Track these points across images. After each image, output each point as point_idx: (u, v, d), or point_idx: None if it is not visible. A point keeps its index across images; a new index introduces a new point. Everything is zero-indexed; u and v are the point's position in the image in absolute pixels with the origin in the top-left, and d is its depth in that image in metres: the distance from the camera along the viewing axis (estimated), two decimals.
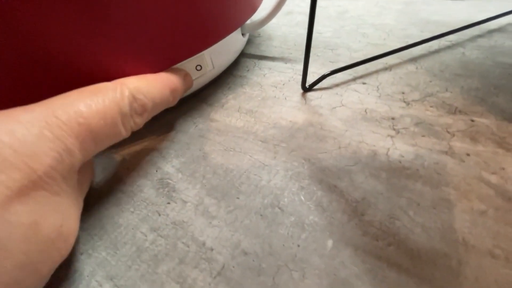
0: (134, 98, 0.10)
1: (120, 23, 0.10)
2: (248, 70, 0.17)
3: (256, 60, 0.18)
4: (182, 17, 0.11)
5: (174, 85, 0.12)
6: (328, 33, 0.19)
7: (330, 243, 0.09)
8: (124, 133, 0.10)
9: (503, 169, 0.09)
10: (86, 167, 0.10)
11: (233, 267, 0.08)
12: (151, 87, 0.11)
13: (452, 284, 0.07)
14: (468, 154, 0.10)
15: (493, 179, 0.09)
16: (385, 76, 0.14)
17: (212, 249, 0.09)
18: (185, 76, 0.13)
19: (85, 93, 0.09)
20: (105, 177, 0.12)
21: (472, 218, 0.08)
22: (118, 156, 0.13)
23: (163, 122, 0.14)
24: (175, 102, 0.12)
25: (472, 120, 0.11)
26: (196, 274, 0.08)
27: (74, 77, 0.10)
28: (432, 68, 0.14)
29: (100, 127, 0.09)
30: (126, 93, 0.10)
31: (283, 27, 0.21)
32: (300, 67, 0.16)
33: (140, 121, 0.10)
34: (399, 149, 0.11)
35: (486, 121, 0.11)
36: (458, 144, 0.11)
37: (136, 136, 0.14)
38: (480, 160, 0.10)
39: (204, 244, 0.09)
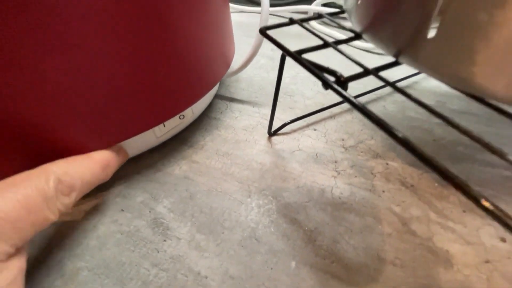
0: (59, 181, 0.10)
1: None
2: (221, 112, 0.20)
3: (227, 102, 0.21)
4: (146, 90, 0.12)
5: (106, 161, 0.12)
6: (287, 79, 0.23)
7: (293, 264, 0.12)
8: (53, 217, 0.10)
9: (404, 202, 0.14)
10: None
11: None
12: (79, 167, 0.11)
13: (369, 286, 0.11)
14: (383, 191, 0.15)
15: (397, 209, 0.14)
16: (331, 124, 0.19)
17: (206, 277, 0.11)
18: (119, 151, 0.13)
19: (6, 185, 0.09)
20: (100, 220, 0.14)
21: (383, 238, 0.13)
22: (111, 197, 0.14)
23: (149, 162, 0.16)
24: (109, 177, 0.13)
25: (387, 164, 0.16)
26: None
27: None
28: (363, 118, 0.19)
29: (22, 217, 0.09)
30: (51, 178, 0.10)
31: (248, 69, 0.25)
32: (265, 111, 0.20)
33: (68, 202, 0.10)
34: (339, 187, 0.15)
35: (395, 165, 0.16)
36: (377, 183, 0.15)
37: (125, 178, 0.15)
38: (390, 195, 0.14)
39: (199, 273, 0.12)
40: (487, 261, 0.12)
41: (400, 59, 0.10)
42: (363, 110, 0.08)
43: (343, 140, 0.17)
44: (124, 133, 0.13)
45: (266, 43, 0.16)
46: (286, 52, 0.12)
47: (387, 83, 0.10)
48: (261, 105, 0.20)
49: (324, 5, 0.32)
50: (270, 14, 0.34)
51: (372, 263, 0.12)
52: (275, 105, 0.16)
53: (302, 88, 0.22)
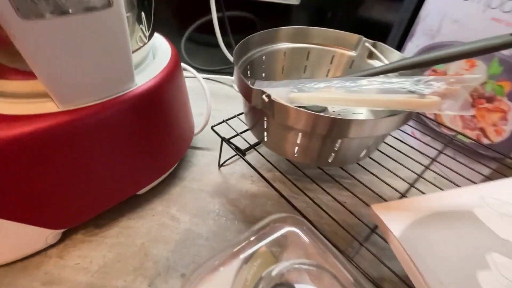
0: None
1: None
2: (191, 156, 0.36)
3: (193, 150, 0.37)
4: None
5: None
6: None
7: (236, 222, 0.29)
8: None
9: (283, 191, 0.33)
10: None
11: None
12: None
13: None
14: (274, 187, 0.33)
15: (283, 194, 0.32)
16: (252, 156, 0.37)
17: (199, 234, 0.28)
18: None
19: None
20: None
21: (266, 208, 0.31)
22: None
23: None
24: None
25: (275, 174, 0.35)
26: None
27: None
28: (269, 155, 0.38)
29: None
30: None
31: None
32: (216, 153, 0.37)
33: None
34: (254, 188, 0.33)
35: (279, 174, 0.35)
36: (273, 183, 0.33)
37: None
38: (278, 188, 0.33)
39: (198, 232, 0.28)
40: None
41: (261, 144, 0.29)
42: (248, 163, 0.26)
43: (258, 165, 0.36)
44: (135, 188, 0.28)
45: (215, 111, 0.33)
46: (222, 139, 0.29)
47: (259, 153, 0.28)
48: (211, 149, 0.37)
49: None
50: (205, 79, 0.52)
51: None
52: (221, 149, 0.34)
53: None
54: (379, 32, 0.43)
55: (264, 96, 0.21)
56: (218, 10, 0.43)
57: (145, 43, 0.25)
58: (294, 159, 0.27)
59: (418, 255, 0.18)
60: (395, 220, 0.20)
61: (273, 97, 0.21)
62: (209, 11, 0.42)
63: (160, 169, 0.29)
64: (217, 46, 0.47)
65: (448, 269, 0.17)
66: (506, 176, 0.26)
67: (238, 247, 0.22)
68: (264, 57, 0.33)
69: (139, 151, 0.25)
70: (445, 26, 0.32)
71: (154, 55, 0.28)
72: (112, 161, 0.24)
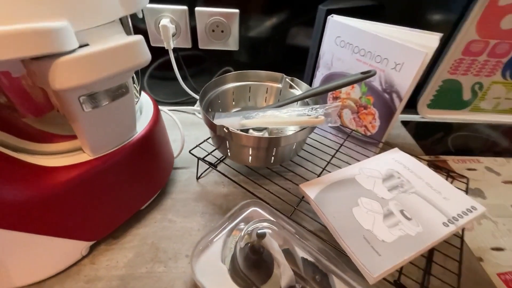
0: None
1: None
2: (175, 175, 0.47)
3: (176, 170, 0.48)
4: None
5: None
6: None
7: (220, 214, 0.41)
8: None
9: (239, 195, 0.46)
10: None
11: None
12: None
13: None
14: (238, 187, 0.46)
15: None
16: (224, 167, 0.49)
17: (191, 227, 0.39)
18: None
19: None
20: None
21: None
22: None
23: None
24: None
25: (237, 183, 0.48)
26: None
27: None
28: (238, 166, 0.51)
29: None
30: None
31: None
32: (192, 169, 0.48)
33: None
34: (226, 190, 0.45)
35: (242, 177, 0.48)
36: (236, 186, 0.46)
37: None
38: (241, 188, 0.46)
39: (189, 226, 0.39)
40: None
41: (227, 157, 0.41)
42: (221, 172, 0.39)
43: (226, 173, 0.48)
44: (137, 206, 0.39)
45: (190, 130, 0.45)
46: (198, 158, 0.41)
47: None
48: (190, 167, 0.49)
49: None
50: (171, 110, 0.63)
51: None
52: (198, 166, 0.45)
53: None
54: (302, 58, 0.59)
55: (224, 129, 0.34)
56: (174, 51, 0.54)
57: (138, 98, 0.36)
58: (250, 164, 0.40)
59: (323, 206, 0.33)
60: (312, 190, 0.35)
61: (230, 129, 0.34)
62: (166, 53, 0.54)
63: (155, 188, 0.40)
64: (175, 79, 0.58)
65: (337, 210, 0.32)
66: (379, 153, 0.43)
67: (221, 228, 0.34)
68: (219, 96, 0.46)
69: (141, 178, 0.36)
70: (335, 62, 0.49)
71: (141, 105, 0.39)
72: (125, 187, 0.34)
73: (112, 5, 0.23)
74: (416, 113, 0.67)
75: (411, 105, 0.66)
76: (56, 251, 0.31)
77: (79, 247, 0.33)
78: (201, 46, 0.56)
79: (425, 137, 0.62)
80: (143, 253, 0.35)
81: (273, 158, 0.39)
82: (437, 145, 0.60)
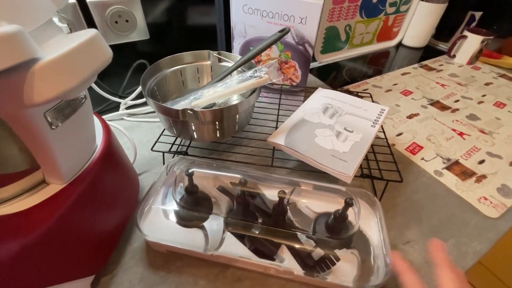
0: None
1: None
2: (143, 181, 0.44)
3: (140, 176, 0.45)
4: None
5: None
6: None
7: None
8: None
9: None
10: None
11: None
12: None
13: None
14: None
15: None
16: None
17: None
18: None
19: None
20: None
21: None
22: None
23: None
24: None
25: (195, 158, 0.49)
26: None
27: None
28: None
29: None
30: None
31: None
32: (156, 170, 0.46)
33: None
34: None
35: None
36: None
37: None
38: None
39: None
40: None
41: (193, 140, 0.42)
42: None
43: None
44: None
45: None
46: (163, 152, 0.40)
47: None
48: (152, 169, 0.46)
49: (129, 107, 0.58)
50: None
51: None
52: (164, 160, 0.44)
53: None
54: (212, 35, 0.61)
55: (188, 111, 0.35)
56: None
57: None
58: (218, 139, 0.42)
59: (294, 146, 0.39)
60: (279, 139, 0.41)
61: (196, 109, 0.35)
62: None
63: (133, 197, 0.37)
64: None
65: (305, 144, 0.40)
66: (308, 97, 0.53)
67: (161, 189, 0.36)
68: (155, 88, 0.44)
69: (119, 189, 0.34)
70: (248, 29, 0.54)
71: None
72: (108, 201, 0.31)
73: (44, 1, 0.20)
74: (315, 61, 0.81)
75: None
76: None
77: (87, 282, 0.29)
78: (107, 42, 0.50)
79: (327, 77, 0.77)
80: (149, 264, 0.34)
81: (236, 125, 0.42)
82: (337, 80, 0.75)
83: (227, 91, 0.41)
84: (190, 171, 0.33)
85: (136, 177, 0.40)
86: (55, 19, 0.42)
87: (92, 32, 0.21)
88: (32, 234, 0.23)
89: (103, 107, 0.58)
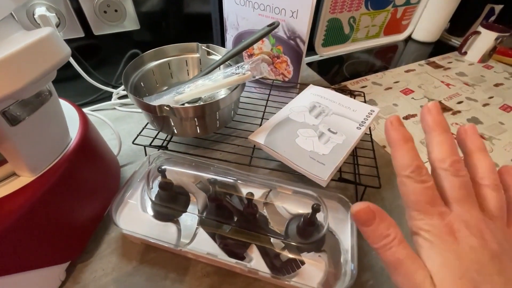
0: None
1: None
2: (124, 173, 0.45)
3: (123, 168, 0.46)
4: None
5: None
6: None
7: None
8: None
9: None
10: None
11: None
12: None
13: None
14: None
15: None
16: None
17: None
18: None
19: None
20: None
21: None
22: None
23: None
24: None
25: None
26: None
27: None
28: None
29: None
30: None
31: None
32: (138, 162, 0.47)
33: None
34: None
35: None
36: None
37: None
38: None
39: None
40: None
41: (174, 135, 0.42)
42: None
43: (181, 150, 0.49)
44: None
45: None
46: (145, 146, 0.41)
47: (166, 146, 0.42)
48: (135, 161, 0.47)
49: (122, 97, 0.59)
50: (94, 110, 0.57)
51: None
52: (146, 153, 0.45)
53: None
54: (207, 26, 0.60)
55: (165, 107, 0.35)
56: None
57: None
58: (198, 135, 0.42)
59: (273, 146, 0.39)
60: (259, 137, 0.40)
61: (172, 105, 0.35)
62: None
63: (112, 189, 0.38)
64: (80, 77, 0.51)
65: (285, 145, 0.39)
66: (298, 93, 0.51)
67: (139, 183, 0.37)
68: (141, 80, 0.44)
69: (95, 181, 0.35)
70: (240, 21, 0.52)
71: None
72: (82, 196, 0.32)
73: None
74: (315, 54, 0.79)
75: (310, 48, 0.77)
76: (36, 282, 0.29)
77: (54, 274, 0.31)
78: (96, 32, 0.50)
79: (326, 71, 0.74)
80: (124, 253, 0.35)
81: (218, 122, 0.42)
82: (337, 75, 0.73)
83: (209, 87, 0.40)
84: (162, 167, 0.33)
85: (118, 168, 0.41)
86: (43, 8, 0.42)
87: (46, 31, 0.20)
88: (1, 224, 0.24)
89: (97, 96, 0.59)
